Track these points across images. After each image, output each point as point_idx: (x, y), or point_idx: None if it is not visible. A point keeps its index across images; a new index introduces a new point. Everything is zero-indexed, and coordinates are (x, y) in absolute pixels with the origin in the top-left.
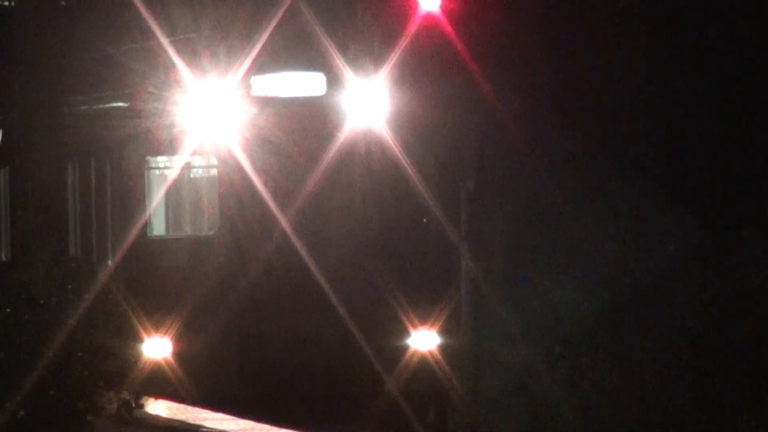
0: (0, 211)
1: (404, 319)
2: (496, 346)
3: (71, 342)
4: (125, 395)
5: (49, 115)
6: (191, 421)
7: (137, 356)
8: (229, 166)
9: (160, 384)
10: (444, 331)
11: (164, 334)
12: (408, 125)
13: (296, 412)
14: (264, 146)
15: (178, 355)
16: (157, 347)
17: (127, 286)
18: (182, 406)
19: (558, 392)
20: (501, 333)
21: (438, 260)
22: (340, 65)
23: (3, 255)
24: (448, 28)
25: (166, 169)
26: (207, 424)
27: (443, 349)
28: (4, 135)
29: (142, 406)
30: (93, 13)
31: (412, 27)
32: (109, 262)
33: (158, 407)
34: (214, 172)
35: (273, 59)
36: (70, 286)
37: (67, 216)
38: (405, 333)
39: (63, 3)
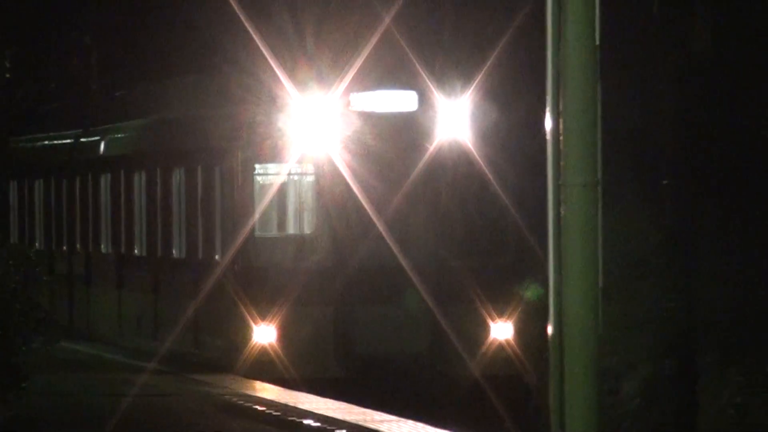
0: None
1: (484, 312)
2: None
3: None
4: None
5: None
6: (294, 404)
7: (246, 340)
8: (328, 172)
9: (266, 367)
10: (518, 323)
11: (270, 322)
12: (490, 138)
13: (388, 394)
14: (360, 155)
15: (282, 341)
16: (263, 334)
17: (236, 279)
18: (284, 390)
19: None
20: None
21: (515, 260)
22: (430, 84)
23: None
24: None
25: (272, 175)
26: (308, 407)
27: (518, 338)
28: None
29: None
30: (201, 30)
31: None
32: (217, 258)
33: (266, 390)
34: (312, 178)
35: (371, 78)
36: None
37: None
38: (485, 324)
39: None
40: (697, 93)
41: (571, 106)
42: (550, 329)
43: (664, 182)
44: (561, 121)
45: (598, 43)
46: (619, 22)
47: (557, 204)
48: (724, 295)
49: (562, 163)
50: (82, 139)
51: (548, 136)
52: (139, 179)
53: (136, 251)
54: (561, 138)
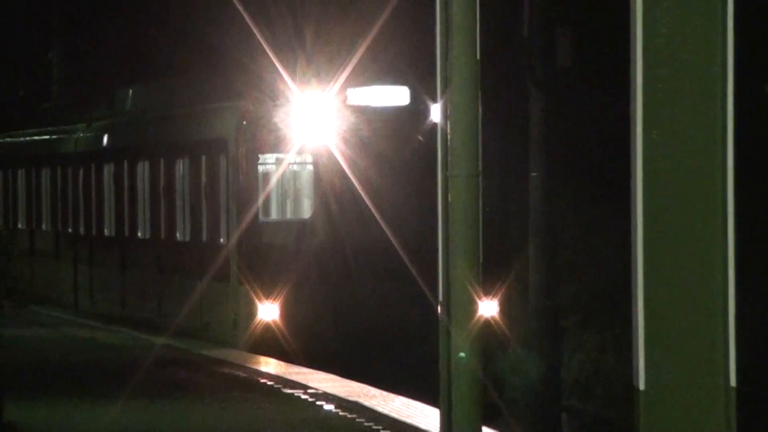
0: None
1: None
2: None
3: None
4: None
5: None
6: (295, 378)
7: (251, 317)
8: (326, 162)
9: (270, 343)
10: (503, 301)
11: (273, 300)
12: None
13: (382, 367)
14: (356, 146)
15: (285, 317)
16: (267, 311)
17: (242, 260)
18: (286, 364)
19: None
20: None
21: (499, 243)
22: (420, 80)
23: None
24: None
25: (274, 165)
26: (308, 380)
27: (503, 314)
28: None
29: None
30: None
31: None
32: (222, 241)
33: (269, 364)
34: (311, 167)
35: (366, 74)
36: None
37: None
38: (473, 302)
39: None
40: (560, 98)
41: (456, 109)
42: (440, 299)
43: (533, 174)
44: (448, 122)
45: (478, 57)
46: (496, 41)
47: (445, 192)
48: (583, 269)
49: (449, 158)
50: (87, 134)
51: (438, 135)
52: (151, 169)
53: (140, 235)
54: (448, 136)
